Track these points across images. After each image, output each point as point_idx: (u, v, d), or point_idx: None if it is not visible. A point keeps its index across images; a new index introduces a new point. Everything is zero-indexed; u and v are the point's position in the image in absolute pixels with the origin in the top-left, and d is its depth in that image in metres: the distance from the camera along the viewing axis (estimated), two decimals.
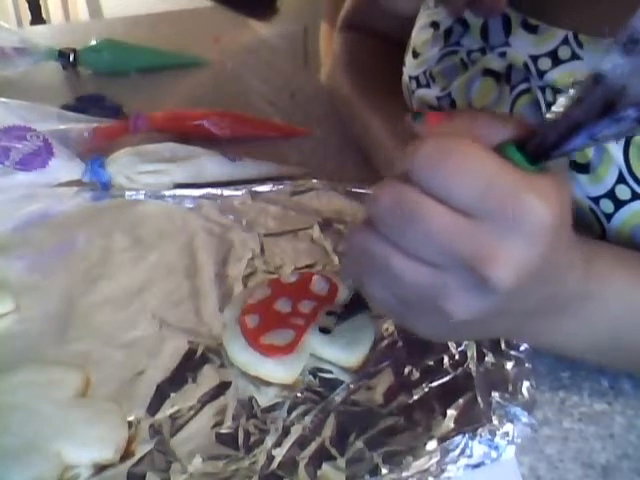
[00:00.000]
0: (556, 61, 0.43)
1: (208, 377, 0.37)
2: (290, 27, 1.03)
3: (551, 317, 0.33)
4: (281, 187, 0.56)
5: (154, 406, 0.36)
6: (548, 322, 0.33)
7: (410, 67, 0.56)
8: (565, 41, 0.42)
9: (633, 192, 0.40)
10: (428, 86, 0.54)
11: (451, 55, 0.52)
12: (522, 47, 0.45)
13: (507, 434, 0.33)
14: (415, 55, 0.56)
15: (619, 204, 0.40)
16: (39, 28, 1.48)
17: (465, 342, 0.39)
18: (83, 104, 0.71)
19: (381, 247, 0.29)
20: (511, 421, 0.34)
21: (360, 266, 0.31)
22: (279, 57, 0.91)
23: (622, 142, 0.39)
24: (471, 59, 0.50)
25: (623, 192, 0.40)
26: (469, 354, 0.38)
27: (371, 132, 0.58)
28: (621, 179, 0.40)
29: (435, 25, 0.53)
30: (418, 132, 0.29)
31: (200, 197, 0.55)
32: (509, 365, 0.37)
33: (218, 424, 0.35)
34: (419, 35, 0.55)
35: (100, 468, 0.33)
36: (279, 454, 0.33)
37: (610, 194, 0.40)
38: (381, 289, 0.30)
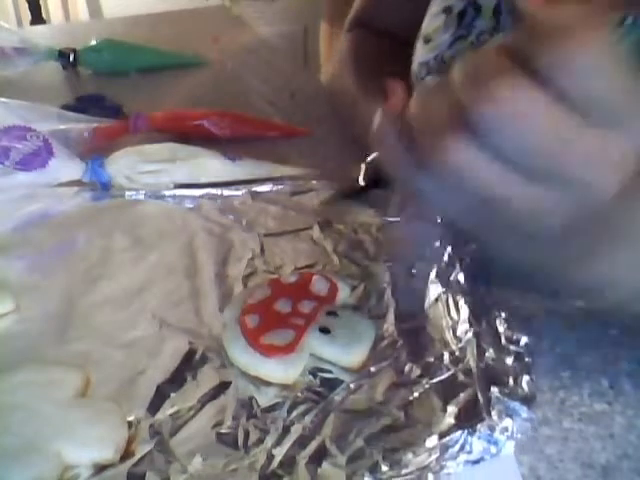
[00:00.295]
0: None
1: (208, 377, 0.37)
2: (290, 27, 1.03)
3: (610, 246, 0.30)
4: (281, 187, 0.56)
5: (154, 406, 0.36)
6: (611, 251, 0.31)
7: (420, 54, 0.56)
8: None
9: None
10: (438, 72, 0.54)
11: (462, 39, 0.52)
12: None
13: (506, 429, 0.33)
14: (426, 41, 0.56)
15: None
16: (39, 28, 1.49)
17: (465, 339, 0.39)
18: (83, 104, 0.71)
19: (476, 159, 0.27)
20: (510, 416, 0.34)
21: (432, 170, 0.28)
22: (279, 57, 0.91)
23: None
24: (480, 41, 0.50)
25: None
26: (469, 350, 0.38)
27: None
28: None
29: (448, 10, 0.54)
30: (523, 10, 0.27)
31: (200, 197, 0.55)
32: (509, 360, 0.37)
33: (218, 424, 0.35)
34: (431, 23, 0.56)
35: (100, 468, 0.32)
36: (279, 453, 0.33)
37: None
38: (452, 199, 0.29)
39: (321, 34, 0.80)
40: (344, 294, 0.43)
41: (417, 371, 0.38)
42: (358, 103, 0.63)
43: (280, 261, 0.47)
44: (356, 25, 0.73)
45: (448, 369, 0.38)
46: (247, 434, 0.34)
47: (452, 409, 0.35)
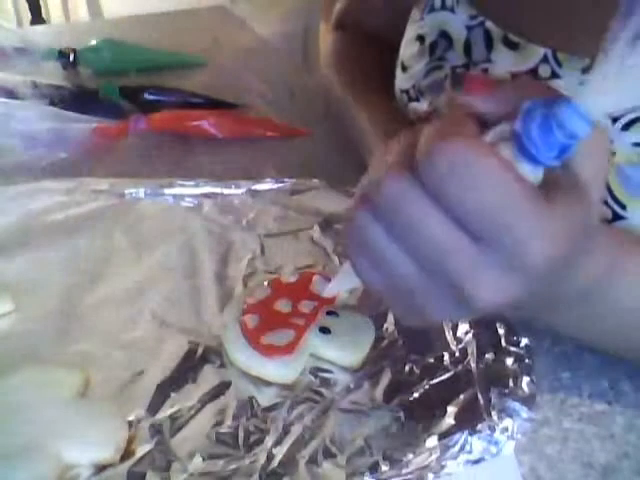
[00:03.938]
0: (536, 79, 0.43)
1: (208, 377, 0.37)
2: (290, 27, 1.03)
3: (550, 311, 0.34)
4: (281, 187, 0.56)
5: (154, 406, 0.36)
6: (547, 314, 0.34)
7: (400, 80, 0.57)
8: (545, 59, 0.43)
9: (614, 213, 0.40)
10: (418, 100, 0.54)
11: (436, 70, 0.52)
12: (504, 63, 0.45)
13: (506, 429, 0.33)
14: (404, 69, 0.56)
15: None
16: (39, 28, 1.48)
17: (465, 340, 0.39)
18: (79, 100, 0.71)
19: (378, 234, 0.28)
20: (510, 416, 0.34)
21: (353, 243, 0.30)
22: (279, 57, 0.91)
23: None
24: (455, 74, 0.50)
25: (604, 213, 0.40)
26: (469, 351, 0.38)
27: (358, 128, 0.59)
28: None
29: (421, 39, 0.53)
30: (460, 102, 0.28)
31: (200, 196, 0.55)
32: (509, 361, 0.38)
33: (218, 424, 0.35)
34: (406, 48, 0.56)
35: (100, 468, 0.33)
36: (279, 453, 0.33)
37: None
38: (369, 269, 0.30)
39: (321, 34, 0.79)
40: (344, 294, 0.43)
41: (417, 371, 0.38)
42: (343, 101, 0.63)
43: (280, 261, 0.47)
44: (341, 24, 0.73)
45: (448, 370, 0.38)
46: (247, 434, 0.34)
47: (452, 409, 0.35)
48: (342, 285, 0.37)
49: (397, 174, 0.27)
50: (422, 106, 0.53)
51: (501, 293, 0.27)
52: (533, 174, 0.26)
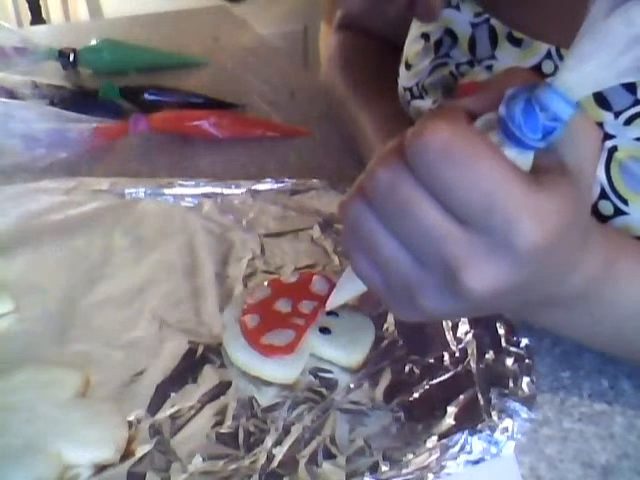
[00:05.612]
0: (540, 75, 0.43)
1: (208, 377, 0.37)
2: (290, 27, 1.03)
3: (548, 310, 0.33)
4: (281, 187, 0.56)
5: (154, 406, 0.36)
6: (545, 314, 0.34)
7: (403, 78, 0.57)
8: (548, 55, 0.43)
9: (615, 208, 0.40)
10: (421, 97, 0.54)
11: (441, 67, 0.52)
12: (507, 60, 0.45)
13: (506, 429, 0.33)
14: (408, 67, 0.56)
15: (602, 220, 0.41)
16: (39, 28, 1.48)
17: (465, 340, 0.39)
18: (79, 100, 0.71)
19: (371, 225, 0.28)
20: (510, 416, 0.34)
21: (349, 238, 0.30)
22: (279, 57, 0.91)
23: (604, 158, 0.40)
24: (460, 72, 0.50)
25: (606, 208, 0.40)
26: (469, 351, 0.39)
27: (360, 129, 0.59)
28: (603, 195, 0.40)
29: (426, 37, 0.53)
30: (449, 104, 0.28)
31: (200, 196, 0.55)
32: (509, 361, 0.38)
33: (218, 424, 0.35)
34: (411, 46, 0.56)
35: (100, 468, 0.33)
36: (279, 453, 0.33)
37: (593, 210, 0.40)
38: (366, 266, 0.30)
39: (321, 34, 0.80)
40: None
41: (417, 371, 0.38)
42: (346, 103, 0.63)
43: (280, 261, 0.47)
44: (344, 25, 0.73)
45: (448, 370, 0.38)
46: (247, 434, 0.34)
47: (452, 410, 0.35)
48: (344, 295, 0.37)
49: (388, 162, 0.27)
50: (426, 104, 0.54)
51: (492, 278, 0.27)
52: (521, 159, 0.27)
